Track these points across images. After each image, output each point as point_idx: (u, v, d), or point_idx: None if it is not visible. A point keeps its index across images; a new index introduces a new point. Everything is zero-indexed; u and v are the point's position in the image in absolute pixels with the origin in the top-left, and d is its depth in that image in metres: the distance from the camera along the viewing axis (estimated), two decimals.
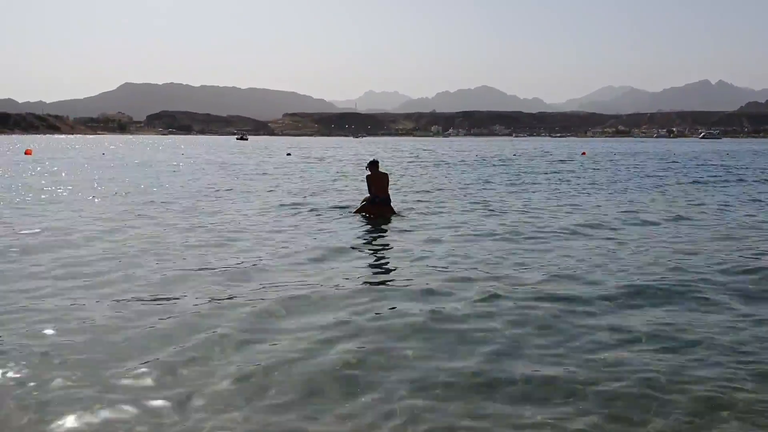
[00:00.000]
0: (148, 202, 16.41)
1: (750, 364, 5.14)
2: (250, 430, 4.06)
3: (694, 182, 25.83)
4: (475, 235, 11.49)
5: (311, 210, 14.96)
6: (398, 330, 5.89)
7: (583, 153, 63.43)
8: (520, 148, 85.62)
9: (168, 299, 6.92)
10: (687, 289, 7.52)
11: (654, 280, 7.90)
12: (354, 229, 12.19)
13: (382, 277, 8.18)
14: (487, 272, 8.37)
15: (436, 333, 5.83)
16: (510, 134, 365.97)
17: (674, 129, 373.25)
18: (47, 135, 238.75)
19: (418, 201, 17.31)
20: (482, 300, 6.89)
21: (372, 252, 9.99)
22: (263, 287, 7.46)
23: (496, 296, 7.03)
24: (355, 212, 14.09)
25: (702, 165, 40.92)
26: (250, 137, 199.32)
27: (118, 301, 6.82)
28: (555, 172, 32.26)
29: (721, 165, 40.84)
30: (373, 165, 14.03)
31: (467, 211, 15.30)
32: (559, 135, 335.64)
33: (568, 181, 26.42)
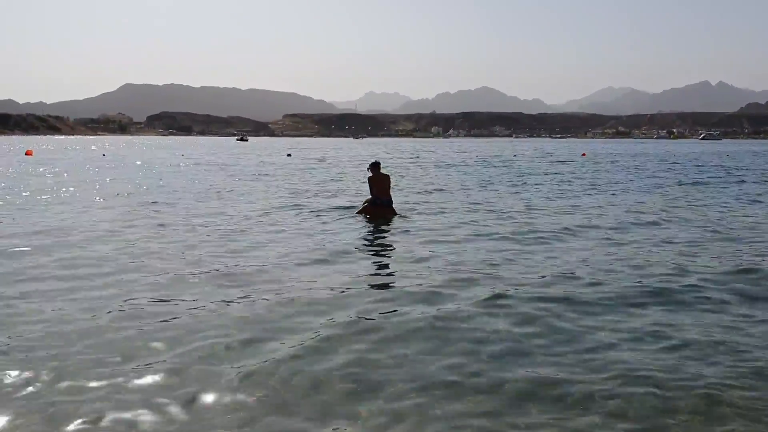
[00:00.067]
0: (150, 203, 16.44)
1: (752, 364, 5.16)
2: (257, 431, 4.09)
3: (694, 183, 25.83)
4: (476, 235, 11.52)
5: (313, 211, 14.98)
6: (403, 331, 5.90)
7: (583, 154, 63.43)
8: (521, 149, 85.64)
9: (171, 300, 6.94)
10: (688, 289, 7.55)
11: (656, 281, 7.93)
12: (356, 230, 12.22)
13: (385, 279, 8.20)
14: (490, 273, 8.39)
15: (440, 334, 5.84)
16: (510, 135, 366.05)
17: (674, 130, 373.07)
18: (47, 136, 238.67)
19: (420, 202, 17.33)
20: (485, 301, 6.90)
21: (374, 253, 10.01)
22: (266, 289, 7.48)
23: (499, 297, 7.05)
24: (356, 213, 14.11)
25: (702, 166, 40.93)
26: (250, 138, 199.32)
27: (121, 302, 6.84)
28: (556, 173, 32.29)
29: (721, 166, 40.85)
30: (375, 167, 14.05)
31: (469, 211, 15.32)
32: (559, 136, 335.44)
33: (569, 182, 26.44)
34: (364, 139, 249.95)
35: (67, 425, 4.08)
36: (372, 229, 12.35)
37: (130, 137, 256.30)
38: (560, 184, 25.35)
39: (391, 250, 10.25)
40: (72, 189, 20.88)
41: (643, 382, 4.80)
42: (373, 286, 7.74)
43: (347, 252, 9.86)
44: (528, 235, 11.52)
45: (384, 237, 11.55)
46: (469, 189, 22.53)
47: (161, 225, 12.44)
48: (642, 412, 4.34)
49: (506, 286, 7.64)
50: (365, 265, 9.09)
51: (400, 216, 13.87)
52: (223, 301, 6.92)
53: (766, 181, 27.54)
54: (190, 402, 4.40)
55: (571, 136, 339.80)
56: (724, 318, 6.49)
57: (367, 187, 14.74)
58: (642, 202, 17.84)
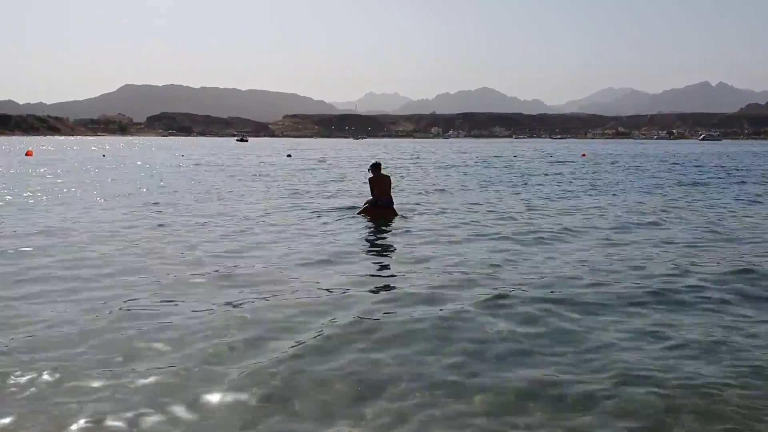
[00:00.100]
0: (151, 204, 16.45)
1: (752, 364, 5.19)
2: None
3: (694, 184, 25.84)
4: (477, 236, 11.54)
5: (314, 212, 14.99)
6: (405, 331, 5.91)
7: (583, 155, 63.43)
8: (521, 150, 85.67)
9: (173, 301, 6.95)
10: (689, 290, 7.56)
11: (656, 282, 7.95)
12: (357, 231, 12.23)
13: (387, 279, 8.20)
14: (491, 273, 8.42)
15: (442, 334, 5.85)
16: (510, 136, 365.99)
17: (674, 131, 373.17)
18: (48, 136, 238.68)
19: (420, 202, 17.35)
20: (487, 301, 6.91)
21: (376, 254, 10.02)
22: (268, 289, 7.49)
23: (500, 297, 7.06)
24: (357, 214, 14.12)
25: (702, 167, 40.92)
26: (250, 139, 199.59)
27: (123, 303, 6.85)
28: (556, 174, 32.31)
29: (721, 167, 40.85)
30: (376, 168, 14.05)
31: (469, 212, 15.34)
32: (559, 137, 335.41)
33: (569, 182, 26.46)
34: (364, 139, 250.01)
35: (70, 426, 4.09)
36: (373, 229, 12.36)
37: (130, 138, 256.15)
38: (560, 184, 25.36)
39: (392, 250, 10.26)
40: (73, 190, 20.90)
41: (645, 382, 4.81)
42: (374, 287, 7.75)
43: (349, 253, 9.87)
44: (529, 236, 11.54)
45: (385, 238, 11.56)
46: (469, 190, 22.55)
47: (162, 226, 12.45)
48: (643, 412, 4.35)
49: (507, 286, 7.65)
50: (367, 265, 9.10)
51: (401, 217, 13.89)
52: (225, 302, 6.93)
53: (765, 181, 27.55)
54: (193, 403, 4.42)
55: (571, 137, 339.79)
56: (725, 318, 6.50)
57: (367, 187, 14.75)
58: (642, 203, 17.86)
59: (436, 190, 22.18)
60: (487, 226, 12.97)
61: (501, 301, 6.95)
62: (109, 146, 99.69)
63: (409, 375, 4.95)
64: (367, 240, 11.32)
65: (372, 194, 14.03)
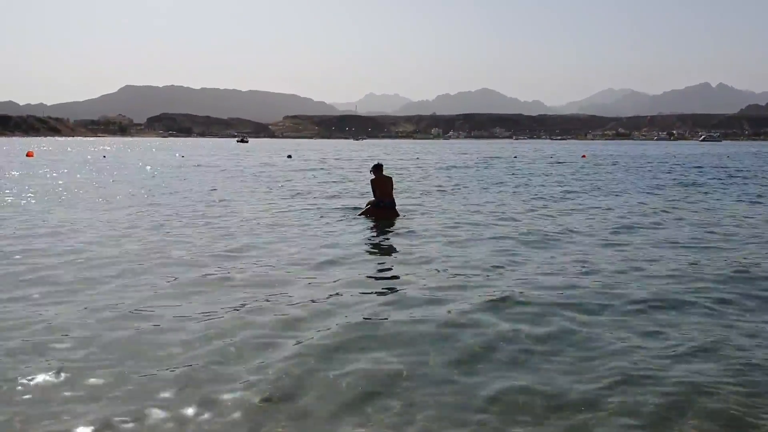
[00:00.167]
0: (152, 205, 16.46)
1: (754, 365, 5.20)
2: None
3: (695, 184, 25.83)
4: (479, 237, 11.53)
5: (315, 213, 15.00)
6: (410, 334, 5.90)
7: (583, 156, 63.43)
8: (521, 151, 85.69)
9: (178, 304, 6.95)
10: (691, 292, 7.56)
11: (659, 283, 7.95)
12: (360, 232, 12.23)
13: (391, 282, 8.19)
14: (495, 275, 8.43)
15: (447, 337, 5.84)
16: (510, 137, 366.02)
17: (674, 132, 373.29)
18: (48, 137, 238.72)
19: (422, 204, 17.35)
20: (492, 304, 6.91)
21: (379, 256, 10.01)
22: (272, 292, 7.49)
23: (505, 300, 7.06)
24: (359, 215, 14.13)
25: (702, 168, 40.91)
26: (250, 140, 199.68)
27: (127, 305, 6.85)
28: (556, 175, 32.32)
29: (722, 168, 40.84)
30: (377, 169, 14.06)
31: (471, 213, 15.34)
32: (559, 138, 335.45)
33: (570, 183, 26.47)
34: (365, 140, 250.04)
35: (77, 428, 4.11)
36: (376, 231, 12.35)
37: (131, 139, 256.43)
38: (561, 185, 25.38)
39: (395, 252, 10.25)
40: (74, 191, 20.90)
41: (648, 384, 4.82)
42: (378, 288, 7.75)
43: (352, 254, 9.86)
44: (530, 237, 11.54)
45: (388, 239, 11.56)
46: (470, 191, 22.56)
47: (163, 227, 12.45)
48: (648, 415, 4.36)
49: (510, 288, 7.65)
50: (370, 267, 9.10)
51: (404, 218, 13.90)
52: (229, 303, 6.93)
53: (766, 183, 27.54)
54: (200, 404, 4.42)
55: (572, 138, 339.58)
56: (727, 320, 6.51)
57: (368, 188, 14.75)
58: (643, 204, 17.87)
59: (437, 191, 22.20)
60: (489, 227, 12.98)
61: (504, 303, 6.95)
62: (110, 147, 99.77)
63: (415, 376, 4.96)
64: (369, 241, 11.32)
65: (374, 195, 14.03)
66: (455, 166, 41.79)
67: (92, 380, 4.83)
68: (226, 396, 4.58)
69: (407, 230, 12.30)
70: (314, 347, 5.55)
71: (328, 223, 13.36)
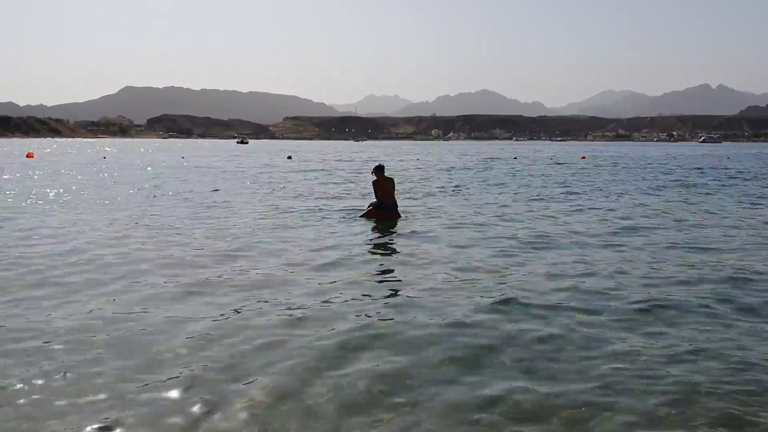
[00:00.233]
0: (153, 206, 16.47)
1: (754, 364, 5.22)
2: None
3: (695, 185, 25.82)
4: (482, 239, 11.53)
5: (317, 214, 15.00)
6: (417, 337, 5.88)
7: (583, 157, 63.42)
8: (521, 152, 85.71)
9: (181, 306, 6.94)
10: (693, 294, 7.56)
11: (662, 285, 7.96)
12: (363, 234, 12.23)
13: (395, 284, 8.17)
14: (498, 277, 8.42)
15: (452, 340, 5.83)
16: (510, 138, 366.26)
17: (674, 133, 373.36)
18: (48, 138, 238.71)
19: (423, 205, 17.35)
20: (496, 306, 6.90)
21: (382, 257, 10.00)
22: (276, 294, 7.48)
23: (509, 302, 7.06)
24: (360, 216, 14.14)
25: (703, 169, 40.89)
26: (250, 141, 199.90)
27: (130, 308, 6.86)
28: (556, 176, 32.32)
29: (724, 169, 40.83)
30: (379, 170, 14.06)
31: (473, 214, 15.34)
32: (559, 139, 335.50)
33: (570, 184, 26.48)
34: (365, 141, 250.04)
35: (83, 429, 4.12)
36: (379, 234, 12.30)
37: (131, 140, 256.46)
38: (561, 186, 25.38)
39: (397, 253, 10.25)
40: (74, 192, 20.91)
41: (650, 385, 4.85)
42: (381, 290, 7.75)
43: (355, 256, 9.86)
44: (531, 238, 11.54)
45: (391, 240, 11.54)
46: (471, 192, 22.57)
47: (165, 228, 12.46)
48: (653, 417, 4.38)
49: (514, 290, 7.65)
50: (373, 269, 9.09)
51: (405, 219, 13.91)
52: (233, 305, 6.93)
53: (767, 185, 27.53)
54: (207, 406, 4.42)
55: (572, 139, 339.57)
56: (728, 321, 6.51)
57: (370, 189, 14.74)
58: (644, 205, 17.87)
59: (438, 192, 22.21)
60: (491, 228, 12.99)
61: (507, 305, 6.96)
62: (110, 148, 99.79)
63: (420, 377, 4.97)
64: (372, 242, 11.32)
65: (376, 197, 14.02)
66: (456, 168, 41.81)
67: (97, 381, 4.83)
68: (233, 396, 4.59)
69: (409, 231, 12.31)
70: (318, 348, 5.56)
71: (330, 224, 13.36)
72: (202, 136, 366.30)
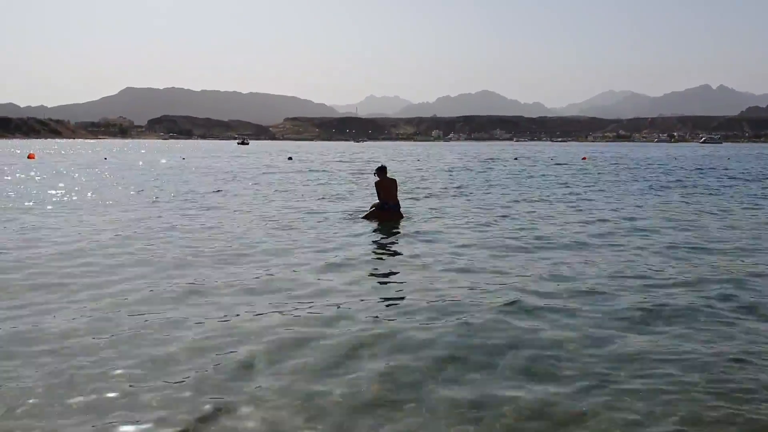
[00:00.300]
0: (157, 207, 16.47)
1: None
2: None
3: (697, 187, 25.82)
4: (484, 240, 11.52)
5: (319, 215, 15.00)
6: (421, 340, 5.86)
7: (584, 158, 63.38)
8: (522, 153, 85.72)
9: (184, 309, 6.92)
10: (695, 296, 7.57)
11: (665, 288, 7.98)
12: (364, 234, 12.23)
13: (399, 286, 8.16)
14: (501, 279, 8.43)
15: (456, 342, 5.82)
16: (511, 139, 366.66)
17: (675, 134, 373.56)
18: (48, 139, 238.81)
19: (426, 206, 17.35)
20: (500, 309, 6.89)
21: (384, 259, 10.00)
22: (280, 296, 7.47)
23: (513, 305, 7.06)
24: (363, 217, 14.15)
25: (703, 170, 40.88)
26: (251, 142, 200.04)
27: (133, 309, 6.85)
28: (557, 176, 32.32)
29: (723, 169, 40.82)
30: (381, 171, 14.07)
31: (474, 214, 15.33)
32: (560, 139, 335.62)
33: (571, 185, 26.48)
34: (365, 142, 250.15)
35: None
36: (382, 235, 12.29)
37: (131, 141, 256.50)
38: (562, 187, 25.39)
39: (400, 254, 10.24)
40: (75, 193, 20.91)
41: (652, 388, 4.87)
42: (385, 292, 7.77)
43: (357, 257, 9.87)
44: (532, 240, 11.56)
45: (394, 241, 11.55)
46: (473, 192, 22.57)
47: (167, 230, 12.45)
48: (658, 421, 4.39)
49: (517, 292, 7.68)
50: (377, 270, 9.09)
51: (408, 220, 13.92)
52: (237, 308, 6.93)
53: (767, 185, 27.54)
54: (214, 411, 4.41)
55: (572, 140, 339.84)
56: (732, 326, 6.51)
57: (371, 189, 14.74)
58: (645, 206, 17.86)
59: (440, 193, 22.20)
60: (493, 228, 13.00)
61: (510, 307, 6.96)
62: (111, 149, 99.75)
63: (427, 379, 4.98)
64: (374, 243, 11.33)
65: (379, 198, 14.03)
66: (457, 168, 41.83)
67: (103, 383, 4.85)
68: (241, 397, 4.60)
69: (412, 232, 12.32)
70: (324, 349, 5.57)
71: (332, 225, 13.37)
72: (203, 137, 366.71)
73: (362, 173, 34.75)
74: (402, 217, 13.97)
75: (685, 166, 47.10)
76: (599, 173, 36.66)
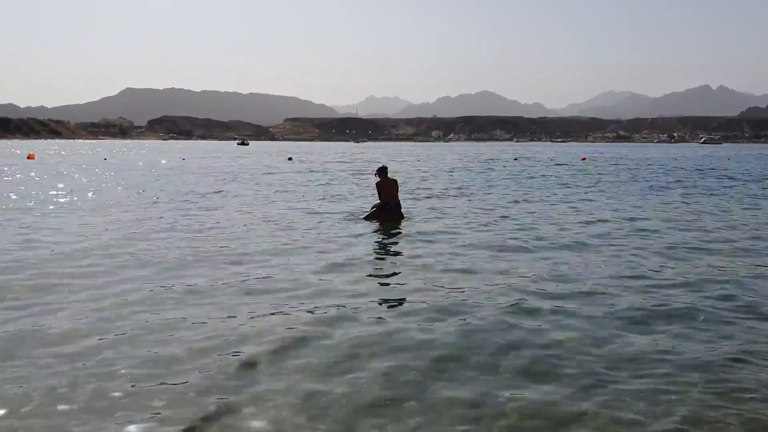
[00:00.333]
0: (158, 208, 16.46)
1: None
2: None
3: (698, 187, 25.83)
4: (485, 240, 11.54)
5: (320, 216, 15.01)
6: (424, 341, 5.86)
7: (584, 158, 63.37)
8: (522, 154, 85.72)
9: (185, 311, 6.91)
10: (697, 298, 7.58)
11: (666, 290, 8.00)
12: (365, 235, 12.24)
13: (399, 286, 8.17)
14: (502, 280, 8.44)
15: (462, 345, 5.81)
16: (511, 139, 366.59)
17: (675, 134, 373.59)
18: (48, 140, 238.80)
19: (427, 206, 17.37)
20: (502, 311, 6.89)
21: (386, 259, 10.01)
22: (282, 298, 7.47)
23: (514, 306, 7.07)
24: (363, 218, 14.16)
25: (703, 170, 40.91)
26: (251, 142, 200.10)
27: (135, 311, 6.86)
28: (557, 177, 32.33)
29: (723, 170, 40.83)
30: (382, 171, 14.08)
31: (475, 215, 15.34)
32: (560, 140, 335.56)
33: (571, 186, 26.50)
34: (365, 143, 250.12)
35: None
36: (383, 236, 12.28)
37: (131, 141, 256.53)
38: (562, 188, 25.40)
39: (402, 255, 10.24)
40: (76, 194, 20.91)
41: (652, 387, 4.89)
42: (386, 293, 7.78)
43: (359, 257, 9.88)
44: (533, 241, 11.57)
45: (395, 242, 11.56)
46: (473, 193, 22.58)
47: (168, 231, 12.45)
48: (659, 422, 4.40)
49: (519, 293, 7.69)
50: (377, 270, 9.11)
51: (409, 220, 13.93)
52: (239, 309, 6.94)
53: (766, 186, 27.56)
54: (218, 411, 4.42)
55: (572, 140, 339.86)
56: (734, 324, 6.53)
57: (371, 190, 14.75)
58: (645, 207, 17.88)
59: (441, 193, 22.20)
60: (494, 229, 13.01)
61: (513, 308, 6.98)
62: (111, 150, 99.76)
63: (429, 380, 5.00)
64: (376, 244, 11.34)
65: (380, 198, 14.04)
66: (457, 169, 41.85)
67: (107, 384, 4.87)
68: (245, 397, 4.62)
69: (413, 233, 12.33)
70: (326, 349, 5.59)
71: (333, 225, 13.37)
72: (203, 137, 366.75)
73: (362, 173, 34.77)
74: (403, 217, 13.99)
75: (685, 166, 47.11)
76: (599, 174, 36.66)
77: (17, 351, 5.53)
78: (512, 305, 7.06)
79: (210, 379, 4.96)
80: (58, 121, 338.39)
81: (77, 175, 31.86)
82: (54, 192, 21.45)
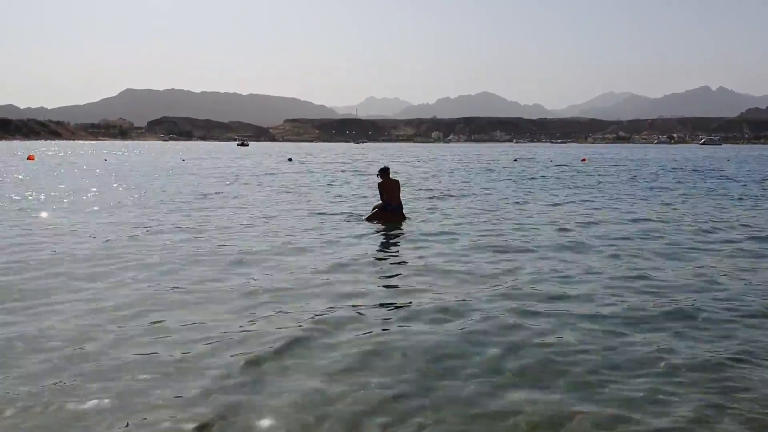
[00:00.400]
0: (158, 209, 16.47)
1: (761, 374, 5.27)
2: None
3: (698, 188, 25.83)
4: (487, 242, 11.53)
5: (321, 217, 15.03)
6: (426, 343, 5.86)
7: (584, 159, 63.37)
8: (522, 155, 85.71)
9: (186, 313, 6.89)
10: (697, 300, 7.60)
11: (667, 291, 8.03)
12: (367, 236, 12.25)
13: (401, 288, 8.18)
14: (503, 281, 8.46)
15: (464, 347, 5.80)
16: (511, 140, 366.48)
17: (675, 135, 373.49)
18: (48, 141, 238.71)
19: (428, 207, 17.40)
20: (505, 311, 6.91)
21: (387, 260, 9.98)
22: (283, 300, 7.47)
23: (515, 306, 7.09)
24: (365, 219, 14.18)
25: (703, 171, 40.92)
26: (251, 143, 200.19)
27: (136, 313, 6.86)
28: (557, 178, 32.35)
29: (722, 171, 40.85)
30: (384, 172, 14.10)
31: (476, 216, 15.36)
32: (560, 141, 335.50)
33: (571, 187, 26.51)
34: (365, 144, 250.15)
35: None
36: (385, 237, 12.30)
37: (131, 142, 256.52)
38: (562, 188, 25.41)
39: (404, 256, 10.25)
40: (76, 195, 20.91)
41: (651, 387, 4.91)
42: (388, 295, 7.80)
43: (360, 258, 9.89)
44: (534, 242, 11.59)
45: (397, 243, 11.58)
46: (474, 194, 22.59)
47: (169, 232, 12.46)
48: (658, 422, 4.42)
49: (520, 294, 7.71)
50: (379, 272, 9.10)
51: (411, 221, 13.96)
52: (242, 311, 6.94)
53: (766, 187, 27.58)
54: (224, 414, 4.42)
55: (572, 141, 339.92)
56: (735, 322, 6.55)
57: (372, 191, 14.77)
58: (645, 208, 17.89)
59: (441, 194, 22.20)
60: (496, 230, 13.01)
61: (514, 309, 6.99)
62: (111, 151, 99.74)
63: (434, 381, 5.01)
64: (377, 245, 11.35)
65: (381, 199, 14.07)
66: (457, 170, 41.86)
67: (111, 384, 4.88)
68: (251, 401, 4.63)
69: (415, 233, 12.35)
70: (327, 350, 5.61)
71: (334, 226, 13.39)
72: (203, 138, 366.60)
73: (363, 174, 34.78)
74: (404, 218, 14.01)
75: (685, 167, 47.11)
76: (599, 174, 36.68)
77: (18, 351, 5.54)
78: (513, 305, 7.08)
79: (214, 378, 4.97)
80: (58, 122, 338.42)
81: (77, 176, 31.86)
82: (54, 193, 21.45)
